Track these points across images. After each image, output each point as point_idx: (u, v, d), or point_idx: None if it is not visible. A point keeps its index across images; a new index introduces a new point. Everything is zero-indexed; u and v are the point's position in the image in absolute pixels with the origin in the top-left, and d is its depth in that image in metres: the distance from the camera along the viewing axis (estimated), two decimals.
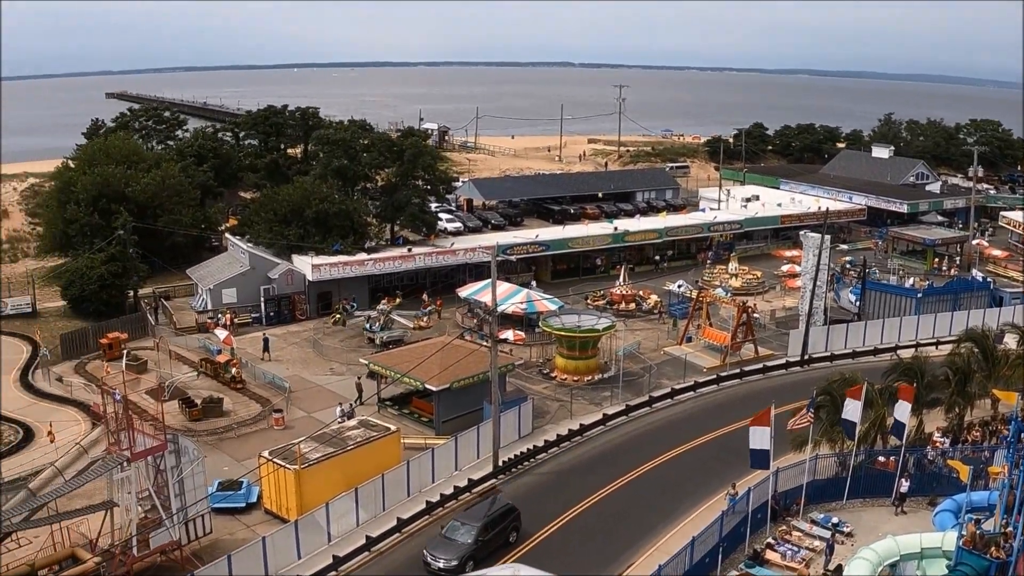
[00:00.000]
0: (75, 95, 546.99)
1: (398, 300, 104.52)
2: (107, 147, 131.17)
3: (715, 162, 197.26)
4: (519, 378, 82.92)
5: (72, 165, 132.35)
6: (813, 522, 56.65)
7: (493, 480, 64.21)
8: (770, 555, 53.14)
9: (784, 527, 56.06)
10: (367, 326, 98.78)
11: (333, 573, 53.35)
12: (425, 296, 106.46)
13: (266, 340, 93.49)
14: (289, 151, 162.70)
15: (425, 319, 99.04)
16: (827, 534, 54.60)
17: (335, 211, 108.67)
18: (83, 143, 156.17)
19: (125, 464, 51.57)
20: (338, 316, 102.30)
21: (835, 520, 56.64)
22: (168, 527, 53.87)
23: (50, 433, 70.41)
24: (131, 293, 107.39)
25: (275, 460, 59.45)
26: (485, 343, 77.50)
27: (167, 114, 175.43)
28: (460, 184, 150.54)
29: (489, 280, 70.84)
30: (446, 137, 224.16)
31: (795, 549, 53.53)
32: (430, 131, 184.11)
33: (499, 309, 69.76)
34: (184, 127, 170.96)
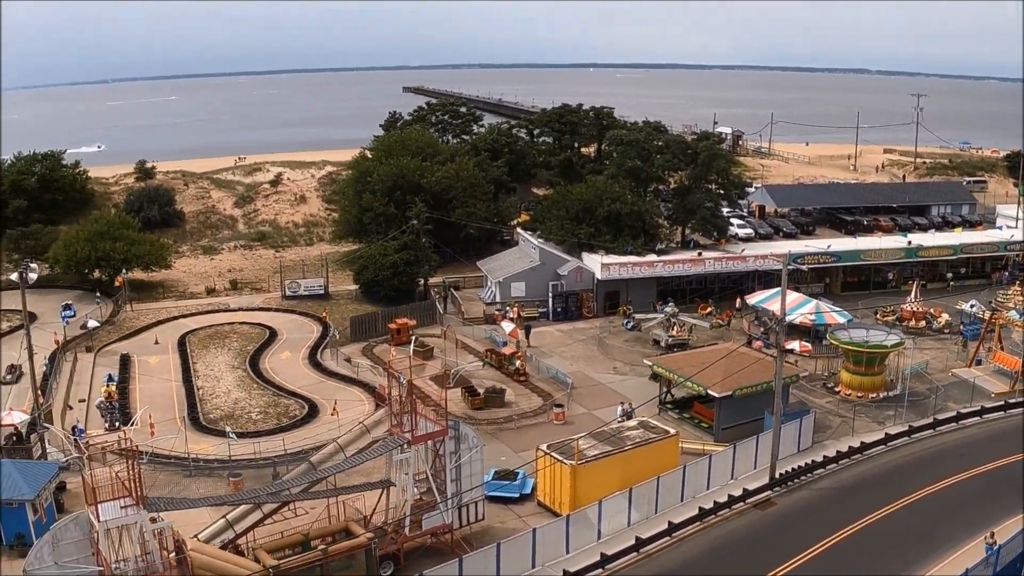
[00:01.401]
0: (374, 88, 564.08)
1: (709, 309, 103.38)
2: (404, 139, 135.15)
3: (1014, 178, 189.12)
4: (802, 390, 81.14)
5: (370, 155, 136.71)
6: None
7: (768, 492, 63.07)
8: None
9: None
10: (624, 323, 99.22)
11: (599, 571, 53.19)
12: (739, 300, 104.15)
13: (528, 328, 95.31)
14: (583, 150, 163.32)
15: (677, 329, 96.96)
16: None
17: (627, 211, 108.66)
18: (381, 134, 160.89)
19: (405, 446, 52.81)
20: (623, 310, 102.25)
21: None
22: (441, 511, 54.98)
23: (334, 410, 72.79)
24: (422, 281, 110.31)
25: (553, 454, 59.82)
26: (771, 352, 76.29)
27: (463, 109, 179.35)
28: (753, 190, 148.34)
29: (778, 288, 69.69)
30: (740, 142, 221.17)
31: None
32: (724, 135, 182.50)
33: (787, 319, 68.52)
34: (479, 122, 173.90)
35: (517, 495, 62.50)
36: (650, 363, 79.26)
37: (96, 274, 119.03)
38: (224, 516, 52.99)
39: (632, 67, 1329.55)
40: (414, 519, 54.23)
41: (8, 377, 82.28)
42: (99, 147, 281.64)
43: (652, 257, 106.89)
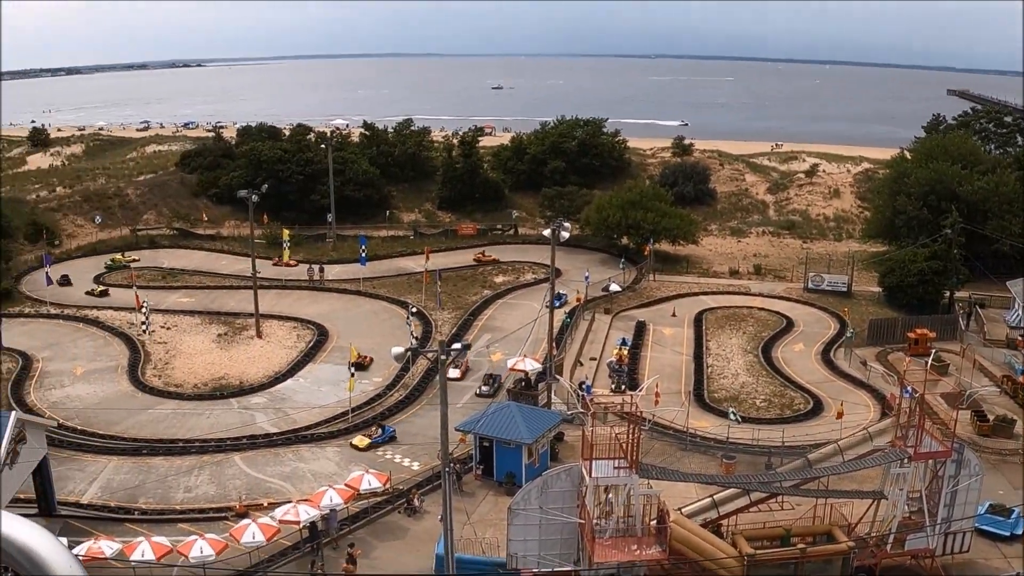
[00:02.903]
0: (917, 89, 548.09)
1: None
2: (945, 144, 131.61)
3: None
4: None
5: (908, 157, 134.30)
6: None
7: None
8: None
9: None
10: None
11: None
12: None
13: None
14: None
15: None
16: None
17: None
18: (922, 136, 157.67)
19: (905, 461, 52.17)
20: None
21: None
22: (927, 534, 53.79)
23: (840, 412, 72.57)
24: (947, 294, 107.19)
25: None
26: None
27: (1008, 119, 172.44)
28: None
29: None
30: None
31: None
32: None
33: None
34: None
35: (1007, 534, 59.69)
36: None
37: (624, 241, 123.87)
38: (711, 495, 54.72)
39: None
40: (898, 537, 53.59)
41: (485, 389, 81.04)
42: (683, 122, 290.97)
43: None
